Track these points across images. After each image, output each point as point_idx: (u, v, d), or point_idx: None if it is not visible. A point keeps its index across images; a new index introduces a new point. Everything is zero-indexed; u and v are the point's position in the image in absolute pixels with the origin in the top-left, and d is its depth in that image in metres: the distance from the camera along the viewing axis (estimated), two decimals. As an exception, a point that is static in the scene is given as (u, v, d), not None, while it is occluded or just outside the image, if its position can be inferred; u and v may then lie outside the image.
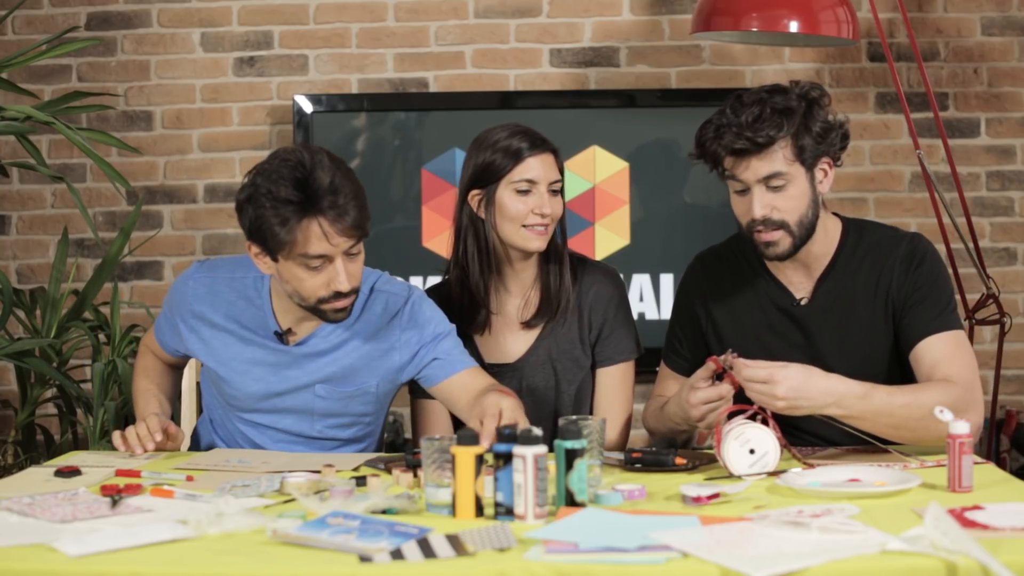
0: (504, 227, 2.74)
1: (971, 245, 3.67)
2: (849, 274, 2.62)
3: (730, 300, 2.70)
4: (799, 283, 2.65)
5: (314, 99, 4.08)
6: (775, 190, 2.50)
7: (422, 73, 4.16)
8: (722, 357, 2.41)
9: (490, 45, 4.15)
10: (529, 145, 2.72)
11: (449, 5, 4.15)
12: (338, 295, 2.49)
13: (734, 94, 2.55)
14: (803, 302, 2.64)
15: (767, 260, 2.61)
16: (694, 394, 2.43)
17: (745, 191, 2.52)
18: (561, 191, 2.79)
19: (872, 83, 4.12)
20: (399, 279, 2.78)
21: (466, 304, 2.80)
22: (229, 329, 2.67)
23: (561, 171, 2.78)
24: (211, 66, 4.17)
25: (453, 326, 2.70)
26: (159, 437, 2.57)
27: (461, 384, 2.63)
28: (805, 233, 2.55)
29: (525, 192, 2.71)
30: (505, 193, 2.72)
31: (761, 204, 2.50)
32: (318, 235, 2.41)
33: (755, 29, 3.50)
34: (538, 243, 2.73)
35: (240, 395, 2.70)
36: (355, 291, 2.52)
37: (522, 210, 2.71)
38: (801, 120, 2.49)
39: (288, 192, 2.40)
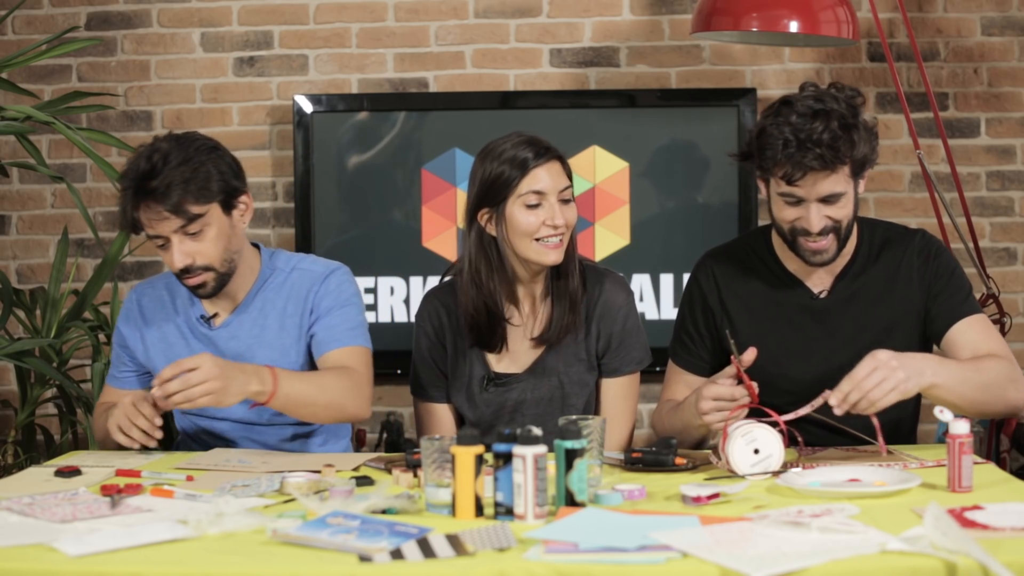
0: (518, 243, 2.67)
1: (971, 245, 3.67)
2: (868, 270, 2.67)
3: (745, 295, 2.71)
4: (818, 279, 2.68)
5: (314, 99, 4.08)
6: (830, 204, 2.53)
7: (422, 73, 4.16)
8: (742, 356, 2.41)
9: (490, 45, 4.15)
10: (534, 155, 2.66)
11: (449, 5, 4.15)
12: (183, 272, 2.65)
13: (780, 100, 2.54)
14: (822, 295, 2.67)
15: (811, 266, 2.63)
16: (710, 387, 2.44)
17: (798, 202, 2.53)
18: (572, 197, 2.73)
19: (872, 83, 4.12)
20: (328, 260, 2.85)
21: (484, 322, 2.75)
22: (173, 325, 2.80)
23: (569, 176, 2.71)
24: (211, 66, 4.17)
25: (354, 303, 2.76)
26: (146, 410, 2.54)
27: (328, 363, 2.70)
28: (847, 237, 2.60)
29: (535, 206, 2.65)
30: (514, 208, 2.65)
31: (818, 218, 2.52)
32: (145, 220, 2.61)
33: (755, 29, 3.50)
34: (554, 256, 2.67)
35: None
36: (204, 268, 2.66)
37: (533, 223, 2.64)
38: (857, 133, 2.50)
39: (127, 182, 2.62)
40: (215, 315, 2.78)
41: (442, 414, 2.85)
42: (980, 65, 4.10)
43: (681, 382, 2.77)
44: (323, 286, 2.76)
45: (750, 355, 2.41)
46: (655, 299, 4.05)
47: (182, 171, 2.58)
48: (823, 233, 2.54)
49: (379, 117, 4.09)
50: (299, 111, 4.06)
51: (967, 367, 2.49)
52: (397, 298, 4.08)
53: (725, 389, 2.41)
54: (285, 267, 2.80)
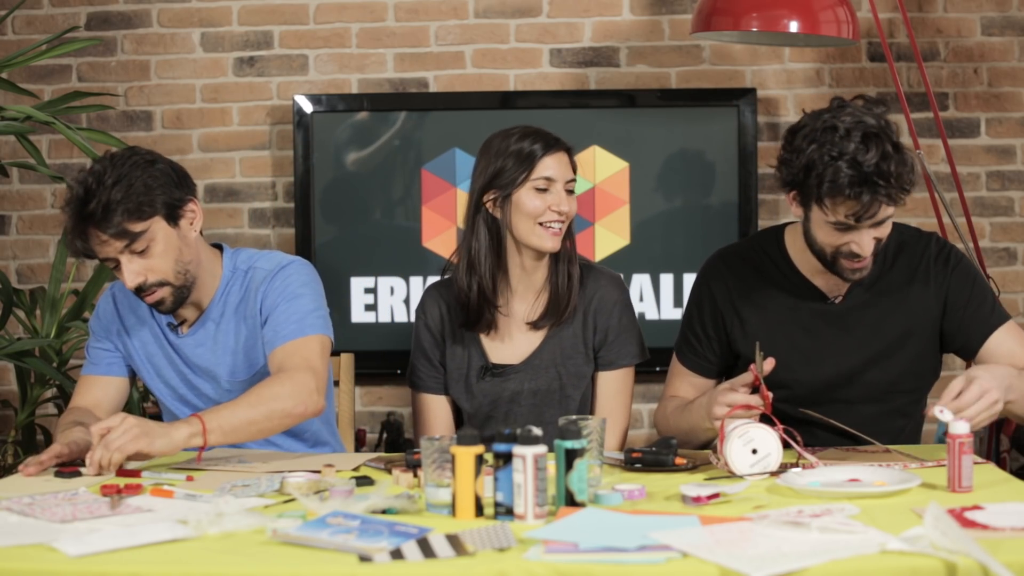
0: (520, 225, 2.74)
1: (971, 245, 3.67)
2: (883, 273, 2.65)
3: (757, 297, 2.70)
4: (833, 285, 2.66)
5: (314, 99, 4.08)
6: (880, 226, 2.51)
7: (422, 73, 4.16)
8: (760, 363, 2.40)
9: (490, 45, 4.15)
10: (543, 146, 2.75)
11: (449, 5, 4.15)
12: (138, 291, 2.61)
13: (824, 126, 2.46)
14: (837, 300, 2.66)
15: (847, 281, 2.61)
16: (726, 395, 2.42)
17: (848, 228, 2.48)
18: (574, 191, 2.80)
19: (872, 83, 4.12)
20: (284, 255, 2.80)
21: (474, 303, 2.80)
22: (148, 327, 2.78)
23: (574, 169, 2.80)
24: (211, 66, 4.17)
25: (302, 294, 2.69)
26: (31, 470, 2.45)
27: (272, 363, 2.65)
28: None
29: (543, 190, 2.73)
30: (523, 192, 2.73)
31: (869, 242, 2.50)
32: (91, 245, 2.57)
33: (755, 29, 3.50)
34: (552, 243, 2.74)
35: (163, 401, 2.81)
36: (158, 284, 2.62)
37: (539, 207, 2.72)
38: (908, 156, 2.48)
39: (67, 210, 2.57)
40: (182, 322, 2.76)
41: (438, 406, 2.87)
42: (980, 65, 4.10)
43: (686, 381, 2.77)
44: (269, 285, 2.70)
45: (768, 365, 2.40)
46: (655, 299, 4.05)
47: (117, 190, 2.53)
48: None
49: (379, 117, 4.09)
50: (299, 111, 4.06)
51: None
52: (397, 298, 4.08)
53: (741, 397, 2.40)
54: (243, 267, 2.76)
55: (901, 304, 2.64)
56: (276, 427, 2.55)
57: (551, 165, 2.74)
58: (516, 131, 2.78)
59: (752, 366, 2.40)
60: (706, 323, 2.74)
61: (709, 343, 2.74)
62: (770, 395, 2.38)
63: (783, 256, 2.68)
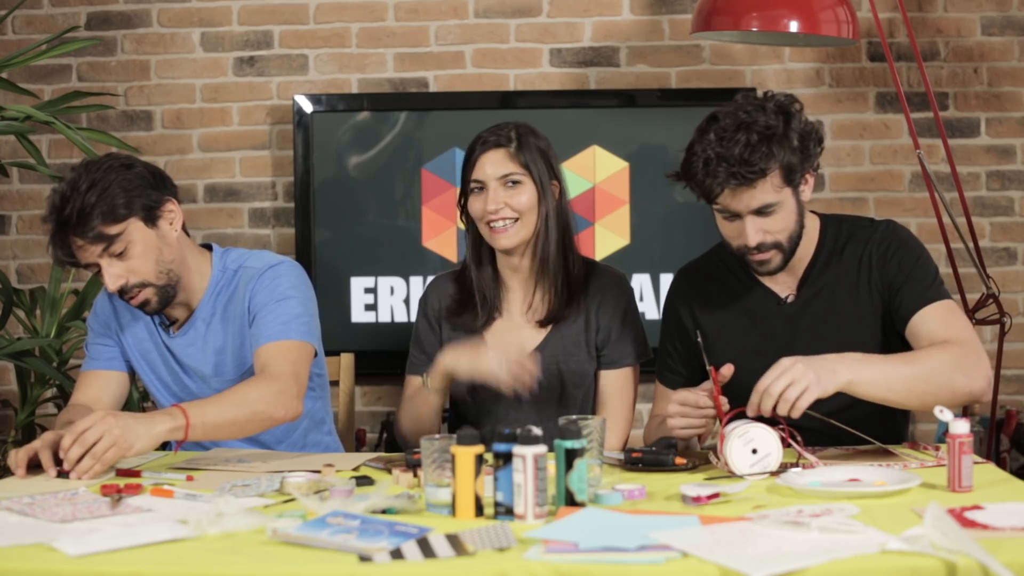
0: (479, 227, 2.80)
1: (971, 245, 3.67)
2: (831, 269, 2.65)
3: (716, 309, 2.72)
4: (784, 283, 2.68)
5: (314, 99, 4.08)
6: (766, 215, 2.51)
7: (422, 73, 4.16)
8: (720, 371, 2.41)
9: (490, 45, 4.15)
10: (481, 144, 2.79)
11: (449, 5, 4.15)
12: (121, 293, 2.64)
13: (709, 115, 2.54)
14: (789, 300, 2.66)
15: (759, 275, 2.64)
16: (678, 392, 2.47)
17: (734, 217, 2.53)
18: (540, 182, 2.77)
19: (872, 83, 4.12)
20: (272, 255, 2.81)
21: (476, 301, 2.83)
22: (143, 324, 2.80)
23: (526, 164, 2.76)
24: (211, 66, 4.17)
25: (291, 296, 2.70)
26: (20, 472, 2.42)
27: (256, 361, 2.66)
28: (794, 245, 2.59)
29: (477, 193, 2.78)
30: (470, 197, 2.80)
31: (754, 231, 2.51)
32: (72, 252, 2.59)
33: (755, 29, 3.50)
34: (502, 240, 2.77)
35: (158, 398, 2.83)
36: (140, 285, 2.64)
37: (478, 210, 2.77)
38: (785, 141, 2.47)
39: (47, 219, 2.60)
40: (174, 322, 2.78)
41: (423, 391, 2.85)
42: (980, 65, 4.10)
43: (666, 400, 2.77)
44: (258, 283, 2.72)
45: (727, 370, 2.41)
46: (655, 299, 4.05)
47: (91, 195, 2.55)
48: (761, 249, 2.53)
49: (379, 117, 4.09)
50: (299, 111, 4.06)
51: (897, 360, 2.42)
52: (397, 298, 4.08)
53: (691, 395, 2.42)
54: (233, 266, 2.78)
55: (850, 295, 2.63)
56: (255, 429, 2.57)
57: (481, 165, 2.77)
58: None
59: (712, 369, 2.41)
60: (675, 339, 2.78)
61: (679, 358, 2.77)
62: (724, 399, 2.39)
63: (738, 261, 2.68)
